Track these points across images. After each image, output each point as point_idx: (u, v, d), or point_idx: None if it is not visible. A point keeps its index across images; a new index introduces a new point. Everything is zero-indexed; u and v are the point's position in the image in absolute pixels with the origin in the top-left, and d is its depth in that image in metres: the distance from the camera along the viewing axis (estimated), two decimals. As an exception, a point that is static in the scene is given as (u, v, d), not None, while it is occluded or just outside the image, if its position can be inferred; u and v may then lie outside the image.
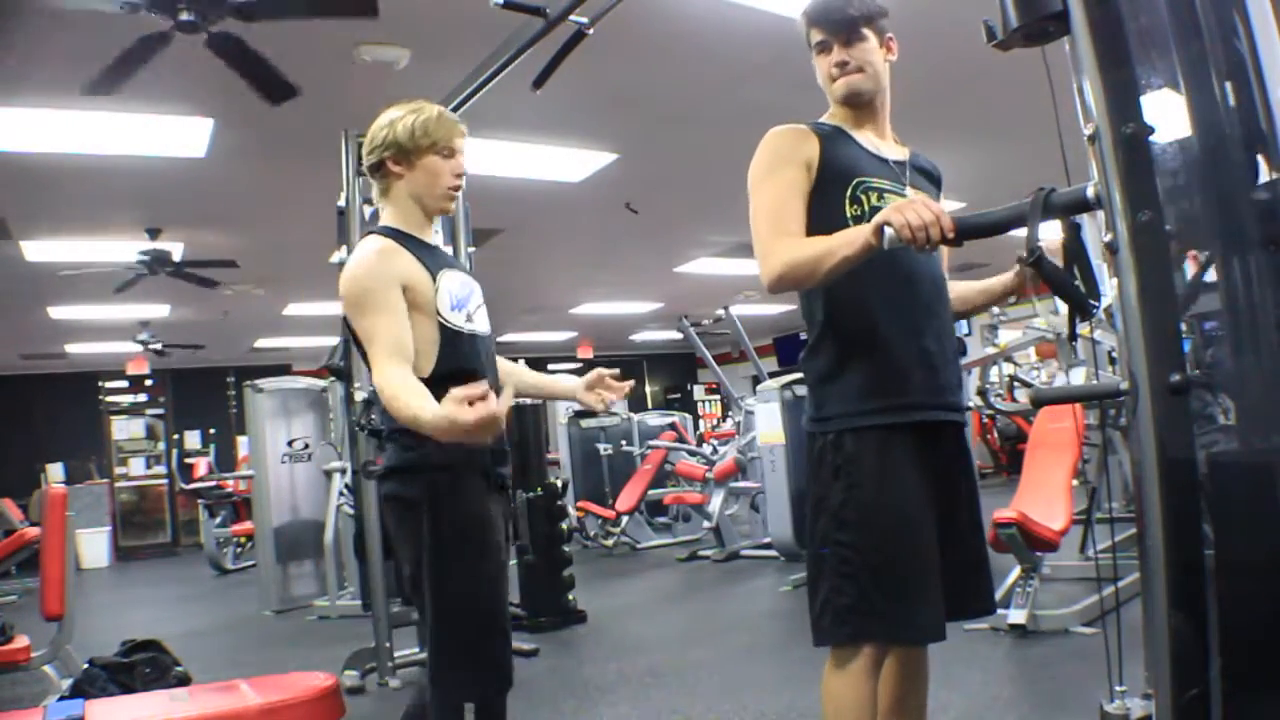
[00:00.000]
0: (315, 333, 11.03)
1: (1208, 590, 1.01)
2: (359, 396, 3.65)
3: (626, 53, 4.18)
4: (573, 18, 2.79)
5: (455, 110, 2.77)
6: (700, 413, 16.06)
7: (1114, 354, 4.73)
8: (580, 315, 12.02)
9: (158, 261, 6.66)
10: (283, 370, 11.68)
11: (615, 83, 4.64)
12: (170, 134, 4.74)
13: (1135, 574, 1.09)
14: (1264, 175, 1.06)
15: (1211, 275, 1.11)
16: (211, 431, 11.93)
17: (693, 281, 10.03)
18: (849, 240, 1.55)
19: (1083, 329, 3.54)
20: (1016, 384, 7.09)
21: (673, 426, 9.29)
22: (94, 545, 10.11)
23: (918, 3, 1.92)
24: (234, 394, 12.28)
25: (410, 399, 1.61)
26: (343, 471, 5.57)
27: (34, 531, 4.31)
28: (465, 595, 1.80)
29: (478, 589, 1.80)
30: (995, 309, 6.08)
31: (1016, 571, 3.89)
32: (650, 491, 8.01)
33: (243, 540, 8.63)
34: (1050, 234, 1.20)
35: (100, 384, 11.37)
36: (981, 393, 6.24)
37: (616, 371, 2.09)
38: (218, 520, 8.66)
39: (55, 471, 11.00)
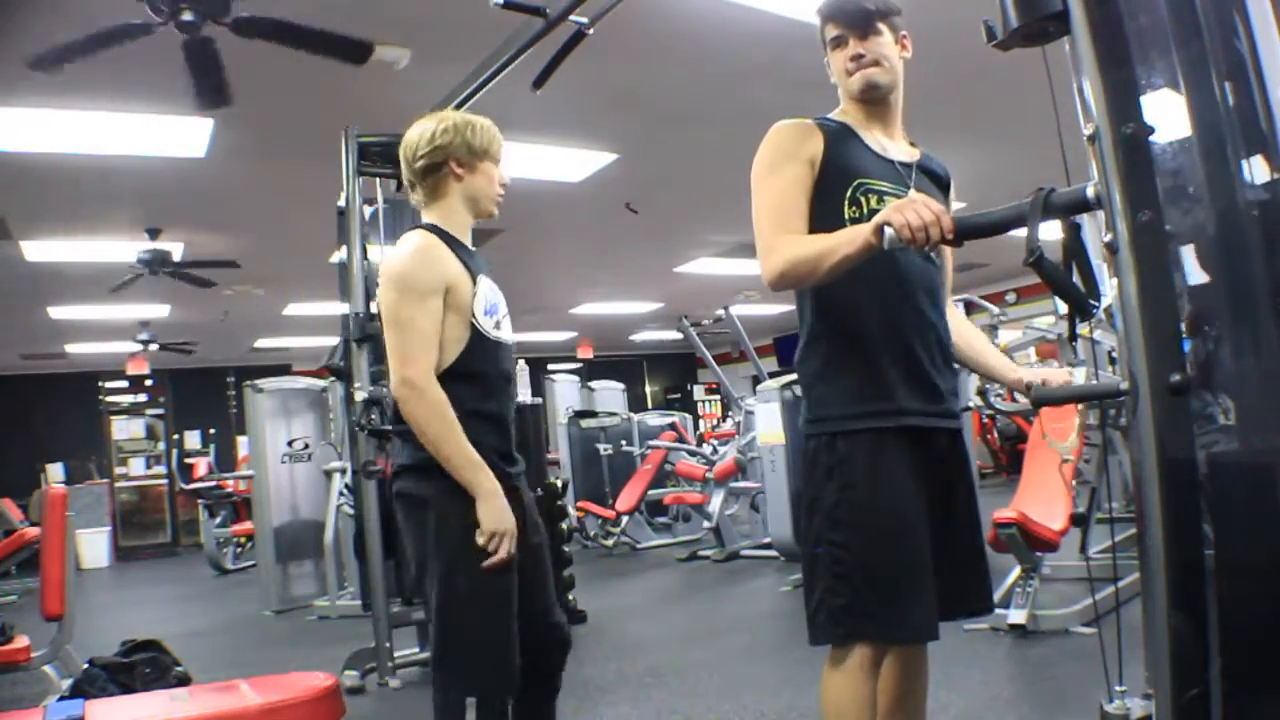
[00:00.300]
0: (315, 333, 11.04)
1: (1208, 590, 1.00)
2: (359, 396, 3.64)
3: (626, 53, 4.18)
4: (573, 18, 2.80)
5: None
6: (700, 413, 16.08)
7: (1114, 354, 4.72)
8: (580, 315, 12.02)
9: (158, 261, 6.67)
10: (283, 370, 11.69)
11: (615, 83, 4.64)
12: (170, 134, 4.74)
13: (1135, 574, 1.09)
14: (1264, 175, 1.06)
15: (1212, 275, 1.11)
16: (211, 431, 11.95)
17: (693, 281, 10.03)
18: (850, 239, 1.55)
19: (1083, 329, 3.54)
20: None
21: (673, 426, 9.27)
22: (94, 545, 10.10)
23: (918, 2, 1.92)
24: (234, 394, 12.30)
25: (468, 451, 1.79)
26: (343, 471, 5.57)
27: (34, 531, 4.32)
28: (470, 594, 1.81)
29: (483, 588, 1.81)
30: (995, 309, 6.13)
31: (1016, 571, 3.89)
32: (650, 491, 7.99)
33: (243, 540, 8.62)
34: (1050, 234, 1.20)
35: (100, 384, 11.35)
36: (981, 393, 6.22)
37: None
38: (218, 520, 8.65)
39: (55, 471, 11.00)
